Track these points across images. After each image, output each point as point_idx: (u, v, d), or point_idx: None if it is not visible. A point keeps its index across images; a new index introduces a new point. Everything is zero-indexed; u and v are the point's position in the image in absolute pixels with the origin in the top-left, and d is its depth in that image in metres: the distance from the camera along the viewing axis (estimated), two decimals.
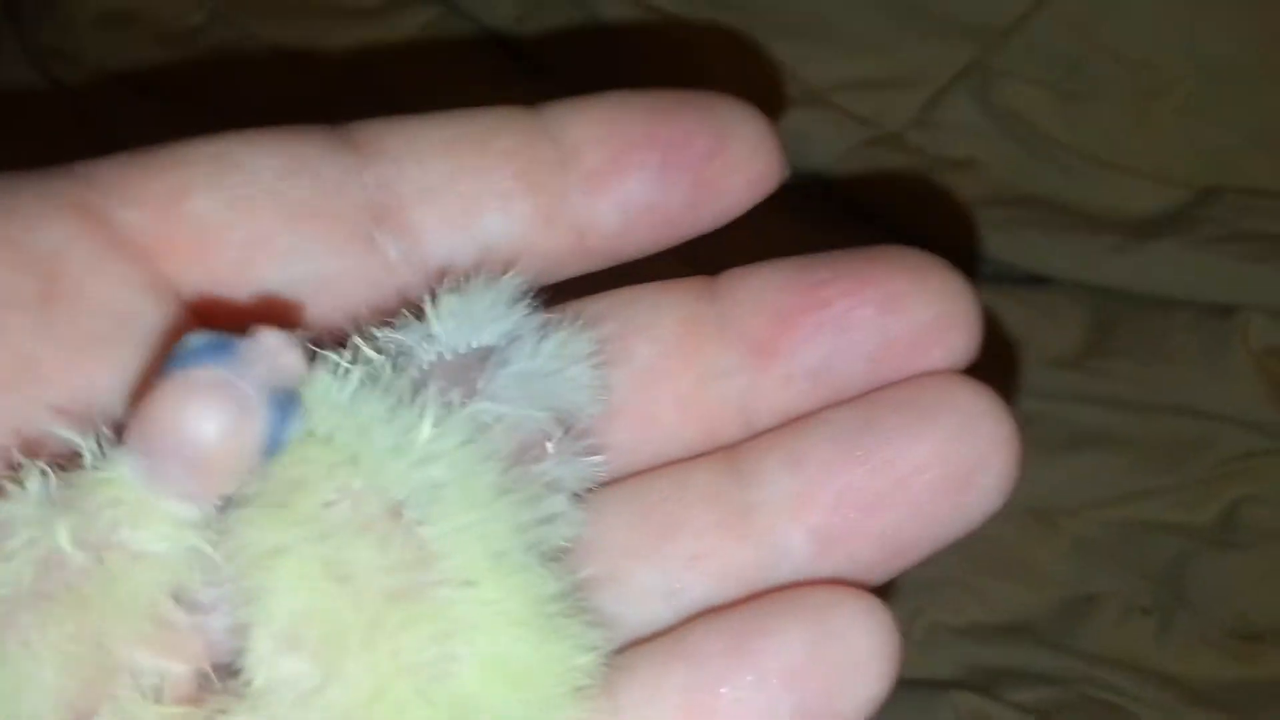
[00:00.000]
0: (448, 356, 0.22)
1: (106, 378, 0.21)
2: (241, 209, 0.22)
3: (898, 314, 0.23)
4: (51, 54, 0.54)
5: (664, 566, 0.23)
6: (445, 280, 0.22)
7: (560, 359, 0.22)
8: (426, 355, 0.22)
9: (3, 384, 0.20)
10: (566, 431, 0.22)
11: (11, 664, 0.18)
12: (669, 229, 0.24)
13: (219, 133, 0.23)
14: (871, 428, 0.23)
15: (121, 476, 0.19)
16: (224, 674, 0.20)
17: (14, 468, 0.19)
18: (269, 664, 0.19)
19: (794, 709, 0.21)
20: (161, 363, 0.19)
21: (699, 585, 0.23)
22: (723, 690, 0.21)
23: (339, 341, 0.22)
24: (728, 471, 0.23)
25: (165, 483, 0.19)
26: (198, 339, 0.18)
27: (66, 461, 0.20)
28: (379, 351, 0.21)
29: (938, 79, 0.51)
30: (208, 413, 0.18)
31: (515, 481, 0.21)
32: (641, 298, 0.24)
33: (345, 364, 0.21)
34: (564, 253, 0.23)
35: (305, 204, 0.22)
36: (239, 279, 0.22)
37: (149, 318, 0.21)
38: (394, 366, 0.21)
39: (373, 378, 0.21)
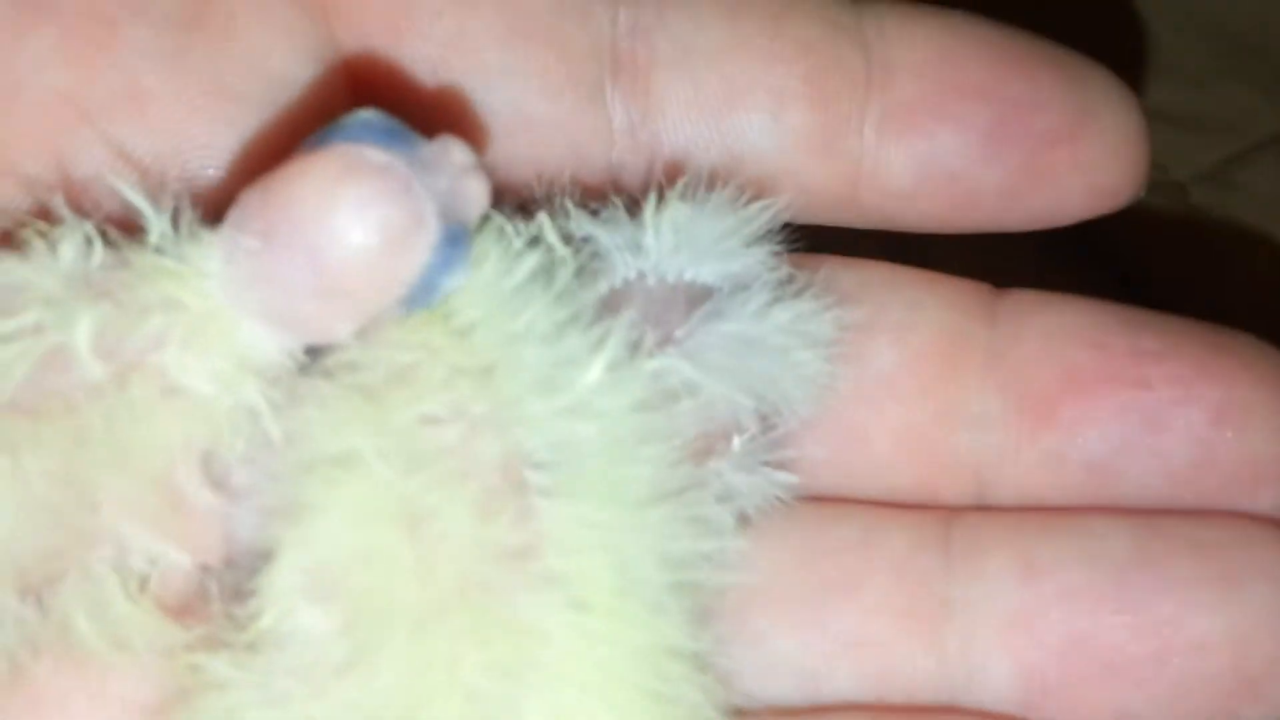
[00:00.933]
0: (651, 281, 0.17)
1: (219, 135, 0.16)
2: None
3: (1237, 432, 0.17)
4: None
5: (811, 638, 0.18)
6: (679, 180, 0.17)
7: (791, 336, 0.17)
8: (626, 269, 0.17)
9: (100, 107, 0.16)
10: (764, 430, 0.17)
11: None
12: (970, 212, 0.18)
13: None
14: (1152, 567, 0.17)
15: (198, 269, 0.14)
16: (231, 589, 0.15)
17: (53, 222, 0.14)
18: (286, 605, 0.14)
19: None
20: (315, 130, 0.14)
21: (846, 678, 0.17)
22: None
23: (518, 206, 0.16)
24: (937, 544, 0.18)
25: (264, 292, 0.14)
26: (373, 115, 0.14)
27: (126, 233, 0.14)
28: (566, 240, 0.16)
29: (1249, 134, 0.44)
30: (372, 205, 0.13)
31: (683, 484, 0.15)
32: (905, 285, 0.19)
33: (519, 239, 0.15)
34: (830, 193, 0.18)
35: (535, 19, 0.17)
36: (423, 84, 0.17)
37: (297, 78, 0.16)
38: (578, 268, 0.16)
39: (548, 272, 0.15)
